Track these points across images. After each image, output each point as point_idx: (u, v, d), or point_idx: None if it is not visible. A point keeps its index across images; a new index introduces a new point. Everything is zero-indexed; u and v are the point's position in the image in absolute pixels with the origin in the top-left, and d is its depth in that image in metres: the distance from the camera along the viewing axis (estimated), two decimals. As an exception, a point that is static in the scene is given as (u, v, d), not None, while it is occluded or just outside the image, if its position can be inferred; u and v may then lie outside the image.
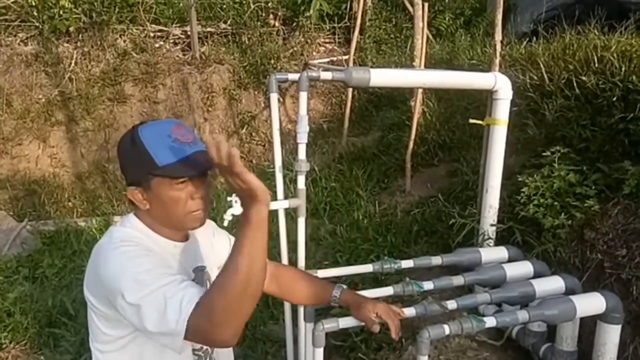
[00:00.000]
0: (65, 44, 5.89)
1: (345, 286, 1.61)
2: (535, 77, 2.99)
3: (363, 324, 1.61)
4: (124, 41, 6.03)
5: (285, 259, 2.27)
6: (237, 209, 2.04)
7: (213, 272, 1.41)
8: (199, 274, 1.36)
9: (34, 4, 5.56)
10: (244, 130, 6.17)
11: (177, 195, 1.21)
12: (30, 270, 3.86)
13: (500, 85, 2.38)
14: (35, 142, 5.61)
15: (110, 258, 1.15)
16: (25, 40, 5.89)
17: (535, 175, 2.51)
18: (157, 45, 6.15)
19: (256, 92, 6.28)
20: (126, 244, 1.17)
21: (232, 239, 1.54)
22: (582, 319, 1.93)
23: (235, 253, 1.04)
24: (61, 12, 5.54)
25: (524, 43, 3.78)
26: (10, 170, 5.46)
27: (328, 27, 6.54)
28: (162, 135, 1.20)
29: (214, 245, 1.47)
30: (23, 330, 3.11)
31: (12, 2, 5.72)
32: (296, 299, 1.71)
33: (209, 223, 1.50)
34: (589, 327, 2.01)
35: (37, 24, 5.74)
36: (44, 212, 5.09)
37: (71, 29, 5.71)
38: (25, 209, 5.12)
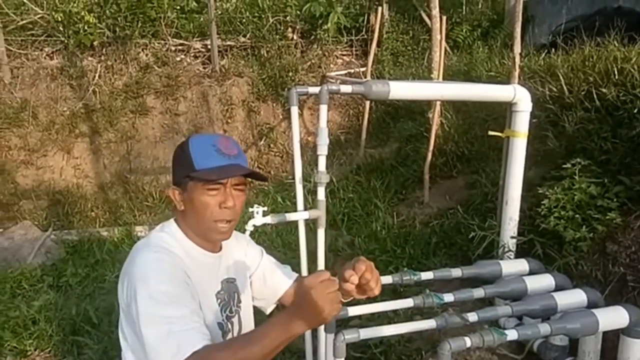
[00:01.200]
0: (90, 58, 6.05)
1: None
2: (555, 89, 2.98)
3: (382, 334, 1.61)
4: (146, 55, 6.17)
5: (304, 270, 2.30)
6: (258, 219, 2.09)
7: (243, 285, 1.44)
8: (227, 286, 1.38)
9: (59, 19, 5.73)
10: (262, 142, 6.24)
11: (207, 200, 1.26)
12: (54, 279, 3.93)
13: (519, 97, 2.39)
14: (59, 153, 5.75)
15: (140, 259, 1.20)
16: (51, 55, 6.06)
17: (555, 188, 2.50)
18: (178, 58, 6.28)
19: (274, 104, 6.36)
20: (160, 252, 1.22)
21: (265, 254, 1.56)
22: (604, 333, 1.92)
23: (257, 338, 1.05)
24: (86, 27, 5.71)
25: (543, 55, 3.78)
26: (35, 181, 5.60)
27: (345, 40, 6.61)
28: (207, 144, 1.27)
29: (247, 254, 1.50)
30: (47, 338, 3.16)
31: (39, 18, 5.91)
32: None
33: (243, 236, 1.55)
34: (611, 341, 1.99)
35: (62, 39, 5.92)
36: (68, 222, 5.20)
37: (95, 43, 5.87)
38: (49, 219, 5.24)
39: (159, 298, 1.12)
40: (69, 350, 3.10)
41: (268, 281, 1.53)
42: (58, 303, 3.46)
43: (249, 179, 1.34)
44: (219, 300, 1.35)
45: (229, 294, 1.38)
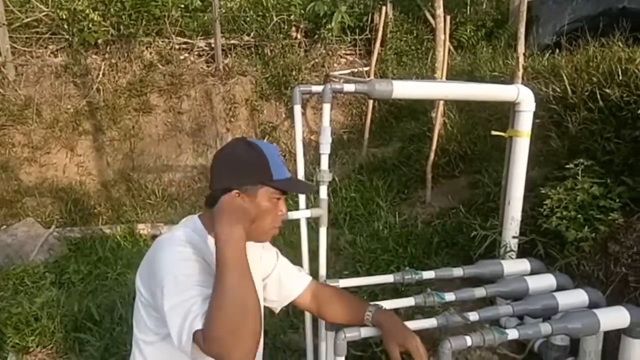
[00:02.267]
0: (94, 56, 6.07)
1: (380, 305, 1.60)
2: (558, 89, 2.98)
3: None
4: (150, 53, 6.18)
5: (306, 268, 2.30)
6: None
7: (257, 284, 1.46)
8: None
9: (64, 17, 5.76)
10: (265, 141, 6.24)
11: (270, 207, 1.33)
12: (56, 276, 3.96)
13: (522, 97, 2.38)
14: (63, 150, 5.77)
15: (165, 252, 1.23)
16: (56, 52, 6.08)
17: (558, 188, 2.50)
18: (182, 57, 6.29)
19: (277, 103, 6.37)
20: (183, 245, 1.25)
21: (280, 257, 1.61)
22: (606, 333, 1.91)
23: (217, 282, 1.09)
24: (90, 25, 5.72)
25: (547, 55, 3.77)
26: (38, 178, 5.62)
27: (349, 39, 6.61)
28: (275, 155, 1.35)
29: (262, 257, 1.53)
30: (50, 334, 3.18)
31: (44, 16, 5.93)
32: (331, 318, 1.67)
33: None
34: (612, 341, 1.98)
35: (67, 37, 5.95)
36: (71, 219, 5.21)
37: (99, 41, 5.89)
38: (52, 216, 5.24)
39: (183, 281, 1.15)
40: (71, 347, 3.12)
41: (283, 284, 1.56)
42: (60, 300, 3.47)
43: None
44: None
45: None
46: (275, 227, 1.38)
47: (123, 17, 5.93)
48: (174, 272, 1.16)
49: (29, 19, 5.93)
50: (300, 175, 2.28)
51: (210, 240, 1.32)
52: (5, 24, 5.67)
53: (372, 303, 1.60)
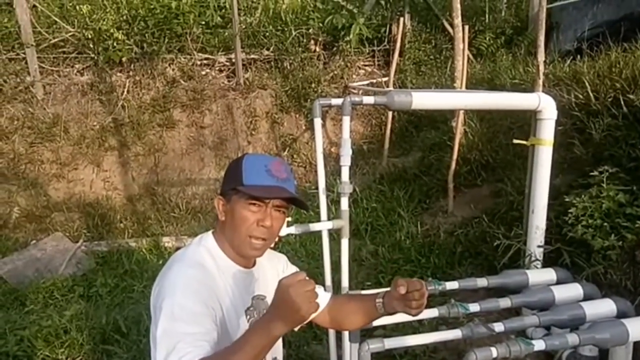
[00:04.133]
0: (119, 74, 6.22)
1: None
2: (581, 96, 2.95)
3: (407, 344, 1.62)
4: (173, 70, 6.31)
5: (328, 279, 2.31)
6: (282, 230, 2.11)
7: None
8: (257, 303, 1.40)
9: (89, 36, 5.93)
10: (285, 153, 6.29)
11: (247, 215, 1.30)
12: (85, 289, 4.03)
13: (544, 105, 2.37)
14: (89, 166, 5.89)
15: (174, 272, 1.25)
16: (82, 71, 6.25)
17: (583, 196, 2.47)
18: (203, 72, 6.40)
19: (297, 116, 6.42)
20: (194, 267, 1.27)
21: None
22: (636, 343, 1.87)
23: (239, 346, 1.08)
24: (115, 44, 5.88)
25: (568, 61, 3.74)
26: (66, 194, 5.74)
27: (368, 51, 6.64)
28: (260, 164, 1.32)
29: (280, 277, 1.51)
30: (79, 346, 3.23)
31: (70, 36, 6.11)
32: (351, 327, 1.60)
33: (281, 257, 1.56)
34: (644, 352, 1.94)
35: (92, 55, 6.11)
36: (98, 233, 5.31)
37: (124, 59, 6.04)
38: (80, 230, 5.35)
39: (179, 313, 1.16)
40: (99, 359, 3.17)
41: None
42: (88, 312, 3.53)
43: (291, 204, 1.38)
44: (248, 317, 1.37)
45: (259, 311, 1.39)
46: (253, 238, 1.31)
47: (146, 35, 6.07)
48: (173, 298, 1.18)
49: (56, 40, 6.11)
50: (321, 187, 2.31)
51: (222, 261, 1.34)
52: (33, 44, 5.86)
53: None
